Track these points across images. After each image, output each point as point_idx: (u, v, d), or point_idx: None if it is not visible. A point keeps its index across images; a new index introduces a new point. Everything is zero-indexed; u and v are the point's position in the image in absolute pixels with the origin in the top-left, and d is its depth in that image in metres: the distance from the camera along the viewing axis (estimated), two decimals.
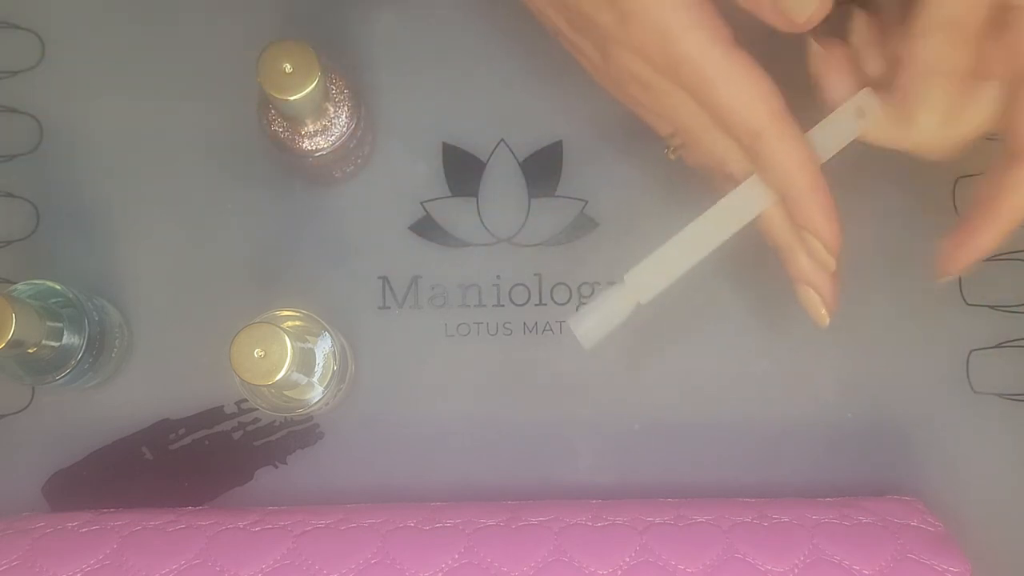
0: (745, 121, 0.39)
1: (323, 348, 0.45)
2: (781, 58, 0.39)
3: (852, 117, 0.42)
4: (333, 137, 0.46)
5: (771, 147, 0.40)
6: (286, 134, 0.46)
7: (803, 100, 0.44)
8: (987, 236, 0.42)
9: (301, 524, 0.44)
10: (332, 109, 0.46)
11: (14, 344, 0.41)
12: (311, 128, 0.46)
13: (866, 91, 0.42)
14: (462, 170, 0.51)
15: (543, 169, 0.51)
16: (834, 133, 0.43)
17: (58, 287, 0.45)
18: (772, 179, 0.41)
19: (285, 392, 0.45)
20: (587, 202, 0.51)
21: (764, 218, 0.43)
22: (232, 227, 0.51)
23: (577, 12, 0.41)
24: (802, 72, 0.43)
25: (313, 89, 0.41)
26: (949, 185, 0.51)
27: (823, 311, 0.43)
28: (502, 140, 0.51)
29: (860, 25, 0.43)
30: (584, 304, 0.43)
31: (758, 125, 0.39)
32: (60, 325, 0.45)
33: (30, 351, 0.43)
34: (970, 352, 0.51)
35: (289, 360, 0.40)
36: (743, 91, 0.39)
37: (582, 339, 0.42)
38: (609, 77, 0.43)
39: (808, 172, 0.40)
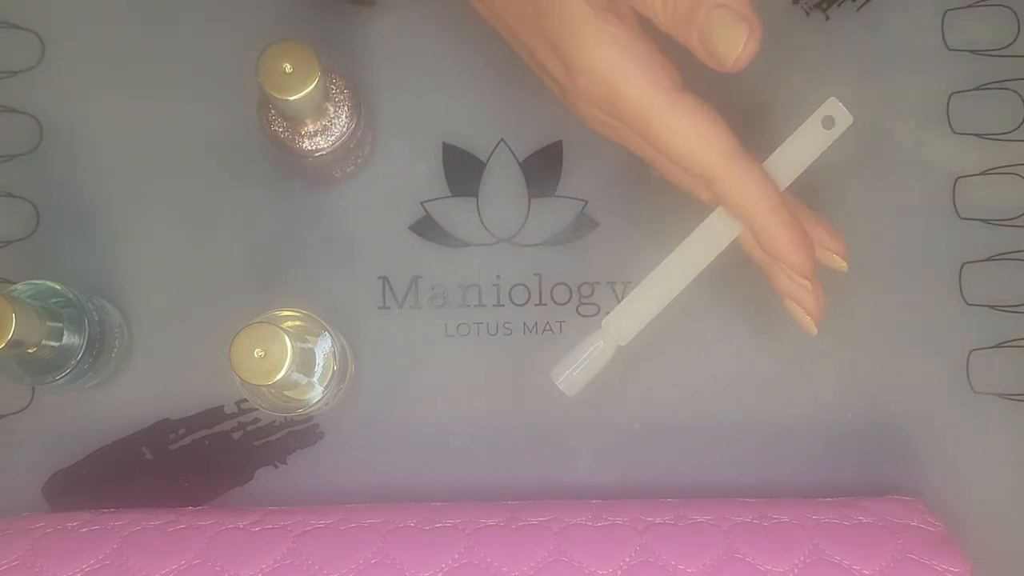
0: (696, 166, 0.39)
1: (323, 348, 0.45)
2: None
3: (819, 128, 0.42)
4: (333, 137, 0.46)
5: (726, 188, 0.40)
6: (286, 134, 0.46)
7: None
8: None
9: (301, 524, 0.44)
10: (332, 109, 0.46)
11: (14, 344, 0.41)
12: (311, 128, 0.46)
13: (833, 99, 0.42)
14: (462, 170, 0.51)
15: (543, 169, 0.51)
16: (802, 148, 0.43)
17: (58, 287, 0.45)
18: (734, 214, 0.41)
19: (285, 392, 0.45)
20: (587, 202, 0.51)
21: (741, 239, 0.43)
22: (232, 227, 0.51)
23: (535, 59, 0.42)
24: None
25: (313, 89, 0.41)
26: (949, 185, 0.51)
27: (810, 321, 0.44)
28: (502, 140, 0.51)
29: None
30: (567, 354, 0.44)
31: (709, 170, 0.39)
32: (60, 325, 0.45)
33: (30, 351, 0.43)
34: (970, 352, 0.51)
35: (289, 360, 0.40)
36: (690, 138, 0.39)
37: (565, 389, 0.43)
38: (578, 113, 0.43)
39: (767, 208, 0.40)
